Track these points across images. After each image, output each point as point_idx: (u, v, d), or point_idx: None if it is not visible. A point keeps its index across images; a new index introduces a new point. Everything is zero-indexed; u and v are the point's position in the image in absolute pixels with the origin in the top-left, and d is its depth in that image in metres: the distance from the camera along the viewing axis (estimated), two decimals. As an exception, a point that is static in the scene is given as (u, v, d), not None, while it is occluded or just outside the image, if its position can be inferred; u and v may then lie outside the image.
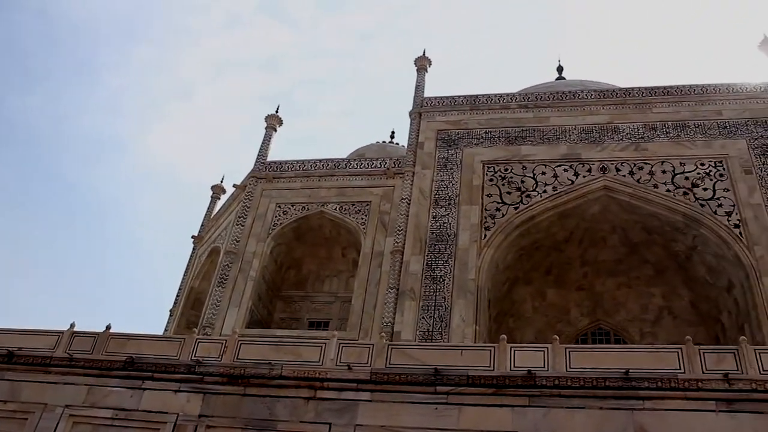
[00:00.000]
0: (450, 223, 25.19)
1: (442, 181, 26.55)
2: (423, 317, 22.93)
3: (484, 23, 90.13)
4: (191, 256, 31.88)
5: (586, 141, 26.61)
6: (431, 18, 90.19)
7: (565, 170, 25.94)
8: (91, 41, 79.72)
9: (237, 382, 15.82)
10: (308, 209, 27.37)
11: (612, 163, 25.75)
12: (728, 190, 24.37)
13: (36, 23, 75.97)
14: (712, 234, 23.92)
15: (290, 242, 27.75)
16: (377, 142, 35.16)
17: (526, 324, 28.27)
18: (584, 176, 25.67)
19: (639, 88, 28.11)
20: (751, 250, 22.94)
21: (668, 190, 24.74)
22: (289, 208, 27.54)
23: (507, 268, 26.31)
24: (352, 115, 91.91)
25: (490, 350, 15.51)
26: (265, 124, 31.11)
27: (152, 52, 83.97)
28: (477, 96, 29.12)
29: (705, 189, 24.54)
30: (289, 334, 23.81)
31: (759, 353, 14.74)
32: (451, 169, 26.83)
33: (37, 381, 17.14)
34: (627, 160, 25.75)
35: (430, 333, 22.46)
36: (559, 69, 39.89)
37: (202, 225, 32.67)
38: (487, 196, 25.72)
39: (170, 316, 29.87)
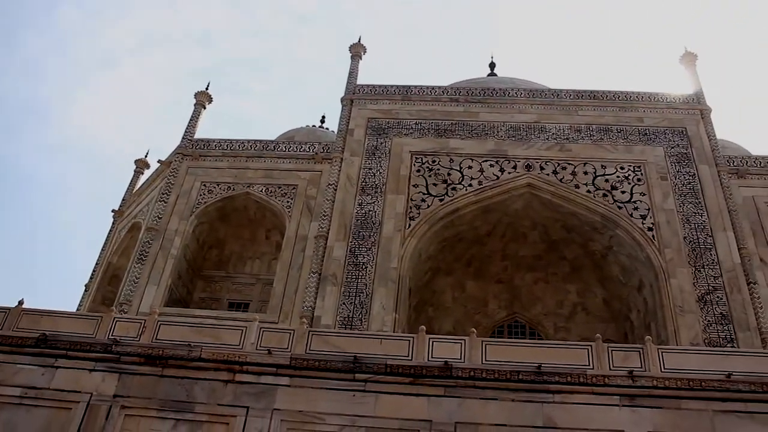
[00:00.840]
0: (375, 211, 25.37)
1: (369, 168, 26.69)
2: (344, 303, 23.08)
3: (421, 15, 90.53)
4: (111, 230, 31.08)
5: (513, 138, 27.19)
6: (371, 5, 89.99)
7: (491, 166, 26.44)
8: (12, -2, 76.10)
9: (155, 362, 15.59)
10: (234, 189, 27.04)
11: (537, 162, 26.40)
12: (644, 195, 25.36)
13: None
14: (627, 235, 24.86)
15: (214, 222, 27.39)
16: (307, 126, 34.97)
17: (445, 314, 28.78)
18: (509, 173, 26.23)
19: (567, 90, 28.89)
20: (662, 252, 23.96)
21: (589, 191, 25.55)
22: (215, 187, 27.16)
23: (429, 258, 26.71)
24: (283, 96, 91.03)
25: (409, 340, 15.78)
26: (194, 101, 30.54)
27: (78, 15, 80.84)
28: (409, 87, 29.34)
29: (623, 192, 25.46)
30: (209, 314, 23.59)
31: (662, 352, 15.52)
32: (379, 157, 27.00)
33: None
34: (551, 160, 26.45)
35: (350, 319, 22.64)
36: (492, 65, 40.45)
37: (123, 199, 31.86)
38: (414, 186, 26.01)
39: (85, 291, 29.09)
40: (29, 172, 78.87)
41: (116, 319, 16.79)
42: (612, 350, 15.43)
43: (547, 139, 27.12)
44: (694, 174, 25.87)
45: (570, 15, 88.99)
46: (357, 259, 24.15)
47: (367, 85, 29.63)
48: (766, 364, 15.41)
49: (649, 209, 25.00)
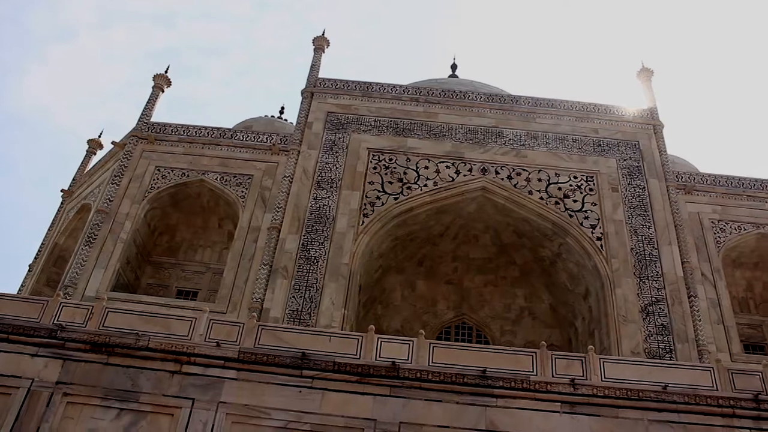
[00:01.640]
0: (330, 206, 25.38)
1: (326, 163, 26.67)
2: (293, 296, 23.07)
3: (385, 10, 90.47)
4: (59, 210, 30.42)
5: (471, 141, 27.45)
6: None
7: (447, 167, 26.66)
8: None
9: (100, 350, 15.41)
10: (188, 176, 26.74)
11: (492, 166, 26.71)
12: (595, 204, 25.87)
13: None
14: (577, 244, 25.35)
15: (166, 207, 27.05)
16: (266, 116, 34.74)
17: (394, 312, 28.97)
18: (465, 175, 26.48)
19: (526, 97, 29.25)
20: (609, 262, 24.51)
21: (541, 198, 25.96)
22: (169, 173, 26.83)
23: (381, 255, 26.84)
24: (242, 84, 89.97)
25: (358, 339, 15.91)
26: (152, 83, 30.08)
27: (34, -16, 78.65)
28: (371, 83, 29.38)
29: (575, 201, 25.94)
30: (157, 301, 23.39)
31: (603, 362, 15.98)
32: (336, 152, 26.99)
33: None
34: (507, 165, 26.78)
35: (299, 313, 22.64)
36: (453, 67, 40.73)
37: (74, 179, 31.20)
38: (369, 183, 26.07)
39: (29, 271, 28.44)
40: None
41: (62, 304, 16.52)
42: (555, 358, 15.80)
43: (503, 144, 27.45)
44: (644, 187, 26.50)
45: (533, 22, 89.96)
46: (309, 253, 24.14)
47: (329, 79, 29.58)
48: (700, 377, 15.96)
49: (599, 219, 25.53)
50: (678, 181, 27.07)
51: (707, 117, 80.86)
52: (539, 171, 26.68)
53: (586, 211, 25.70)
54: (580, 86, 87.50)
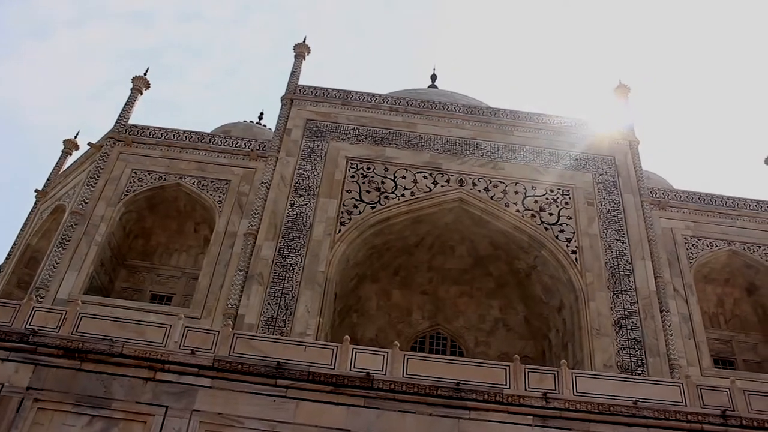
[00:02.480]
0: (307, 213, 25.38)
1: (304, 170, 26.67)
2: (269, 303, 23.01)
3: (369, 21, 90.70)
4: (32, 210, 30.05)
5: (449, 152, 27.59)
6: (317, 1, 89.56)
7: (425, 177, 26.78)
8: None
9: (73, 356, 15.25)
10: (165, 179, 26.60)
11: (470, 178, 26.86)
12: (571, 218, 26.11)
13: None
14: (552, 257, 25.57)
15: (142, 211, 26.87)
16: (245, 121, 34.66)
17: (369, 321, 28.99)
18: (442, 186, 26.61)
19: (504, 109, 29.46)
20: (583, 275, 24.73)
21: (518, 211, 26.14)
22: (146, 176, 26.66)
23: (357, 264, 26.87)
24: (221, 88, 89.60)
25: (333, 349, 15.93)
26: (131, 85, 29.90)
27: (9, -21, 77.73)
28: (350, 92, 29.44)
29: (551, 214, 26.15)
30: (131, 305, 23.15)
31: (575, 376, 16.14)
32: (315, 160, 27.00)
33: None
34: (484, 177, 26.95)
35: (274, 320, 22.59)
36: (433, 77, 40.93)
37: (48, 180, 30.88)
38: (347, 191, 26.12)
39: (0, 272, 28.13)
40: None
41: (35, 308, 16.33)
42: (528, 371, 15.94)
43: (481, 156, 27.63)
44: (619, 202, 26.80)
45: (514, 36, 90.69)
46: (285, 260, 24.11)
47: (309, 87, 29.58)
48: (670, 392, 16.20)
49: (574, 233, 25.77)
50: (652, 196, 27.43)
51: (682, 134, 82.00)
52: (516, 183, 26.87)
53: (561, 225, 25.94)
54: (558, 101, 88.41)
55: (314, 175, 26.49)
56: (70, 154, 32.41)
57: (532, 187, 26.84)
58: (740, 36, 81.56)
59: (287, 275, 23.75)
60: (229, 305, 22.62)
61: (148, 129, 28.02)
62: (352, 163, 26.95)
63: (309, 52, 31.65)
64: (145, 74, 30.17)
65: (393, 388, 15.30)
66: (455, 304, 29.40)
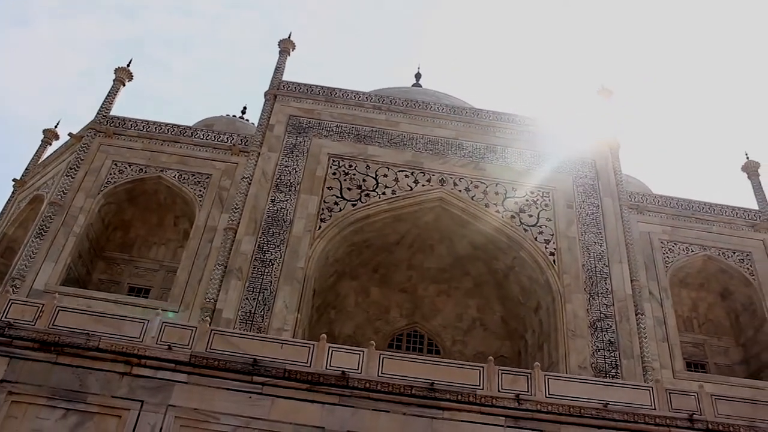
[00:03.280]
0: (287, 209, 25.41)
1: (286, 166, 26.69)
2: (247, 298, 23.05)
3: (355, 18, 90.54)
4: (9, 200, 29.77)
5: (431, 152, 27.72)
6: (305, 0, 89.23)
7: (407, 176, 26.89)
8: None
9: (49, 349, 15.19)
10: (146, 172, 26.53)
11: (451, 177, 27.01)
12: (550, 220, 26.32)
13: None
14: (530, 258, 25.77)
15: (122, 203, 26.80)
16: (227, 115, 34.58)
17: (347, 318, 29.11)
18: (423, 185, 26.73)
19: (487, 110, 29.62)
20: (561, 277, 24.98)
21: (498, 211, 26.30)
22: (126, 168, 26.57)
23: (336, 261, 26.96)
24: (205, 81, 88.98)
25: (309, 348, 16.01)
26: (113, 76, 29.77)
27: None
28: (334, 89, 29.47)
29: (530, 216, 26.34)
30: (108, 297, 23.09)
31: (548, 378, 16.34)
32: (297, 156, 27.04)
33: None
34: (465, 177, 27.10)
35: (252, 315, 22.63)
36: (417, 76, 41.04)
37: (27, 169, 30.60)
38: (328, 188, 26.17)
39: (-24, 261, 27.91)
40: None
41: (12, 301, 16.25)
42: (502, 373, 16.12)
43: (463, 156, 27.78)
44: (598, 205, 27.05)
45: (499, 38, 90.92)
46: (264, 256, 24.15)
47: (292, 83, 29.59)
48: (640, 396, 16.45)
49: (553, 235, 25.98)
50: (631, 200, 27.71)
51: (664, 139, 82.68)
52: (496, 185, 27.04)
53: (540, 227, 26.15)
54: (542, 103, 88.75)
55: (296, 172, 26.52)
56: (50, 144, 32.17)
57: (513, 188, 27.01)
58: (723, 44, 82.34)
59: (266, 270, 23.79)
60: (207, 299, 22.63)
61: (129, 121, 27.91)
62: (333, 160, 27.00)
63: (294, 48, 31.64)
64: (128, 66, 30.01)
65: (368, 387, 15.42)
66: (433, 303, 29.60)
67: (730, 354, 26.97)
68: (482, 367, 16.20)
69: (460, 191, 26.68)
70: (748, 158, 30.55)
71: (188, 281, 23.56)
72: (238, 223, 24.73)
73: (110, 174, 26.28)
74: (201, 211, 25.46)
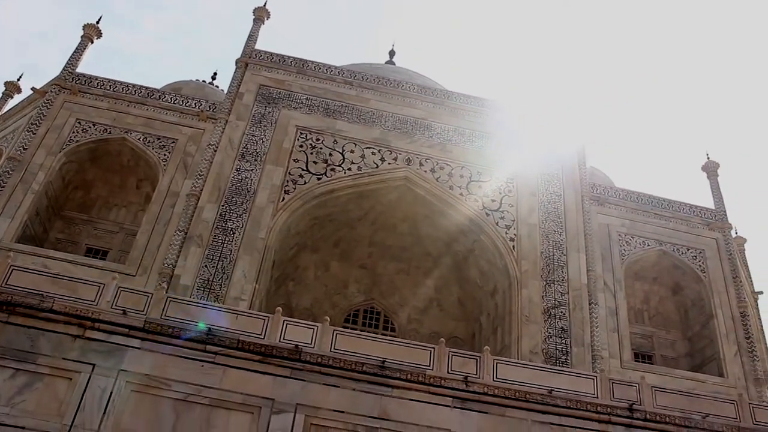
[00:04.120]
0: (252, 179, 25.34)
1: (253, 136, 26.56)
2: (206, 265, 23.03)
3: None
4: (-33, 152, 29.27)
5: (399, 131, 27.76)
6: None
7: (373, 153, 26.93)
8: None
9: (1, 308, 15.05)
10: (110, 132, 26.17)
11: (417, 157, 27.11)
12: (512, 206, 26.62)
13: None
14: (490, 242, 26.08)
15: (84, 162, 26.42)
16: (197, 80, 34.16)
17: (305, 290, 29.22)
18: (389, 163, 26.81)
19: (457, 93, 29.71)
20: (519, 263, 25.34)
21: (461, 194, 26.51)
22: (90, 127, 26.18)
23: (298, 233, 27.00)
24: (176, 44, 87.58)
25: (264, 320, 16.09)
26: (82, 32, 29.19)
27: None
28: (306, 61, 29.29)
29: (493, 201, 26.60)
30: (64, 257, 22.88)
31: (496, 363, 16.69)
32: (264, 126, 26.90)
33: None
34: (431, 158, 27.22)
35: (210, 283, 22.63)
36: (391, 53, 40.91)
37: (-14, 122, 30.05)
38: (294, 161, 26.12)
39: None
40: None
41: (-37, 259, 16.07)
42: (453, 355, 16.40)
43: (431, 137, 27.86)
44: (561, 195, 27.40)
45: (475, 19, 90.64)
46: (226, 224, 24.10)
47: (265, 52, 29.32)
48: (584, 384, 16.89)
49: (514, 221, 26.29)
50: (593, 192, 28.11)
51: (629, 133, 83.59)
52: (462, 168, 27.21)
53: (502, 212, 26.42)
54: (510, 88, 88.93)
55: (263, 142, 26.41)
56: (11, 98, 31.58)
57: (478, 172, 27.20)
58: (684, 41, 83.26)
59: (227, 239, 23.77)
60: (166, 265, 22.55)
61: (96, 79, 27.46)
62: (301, 133, 26.93)
63: (268, 17, 31.32)
64: (97, 23, 29.42)
65: (320, 361, 15.58)
66: (392, 281, 29.83)
67: (676, 347, 27.68)
68: (433, 348, 16.46)
69: (425, 172, 26.81)
70: (708, 158, 31.13)
71: (147, 246, 23.43)
72: (202, 190, 24.61)
73: (73, 132, 25.89)
74: (164, 176, 25.25)
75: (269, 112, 27.31)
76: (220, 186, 24.90)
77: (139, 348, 15.10)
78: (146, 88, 27.61)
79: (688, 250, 27.76)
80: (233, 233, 23.92)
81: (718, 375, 24.98)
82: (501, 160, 27.71)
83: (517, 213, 26.54)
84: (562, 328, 24.10)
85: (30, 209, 23.88)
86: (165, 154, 25.79)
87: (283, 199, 25.12)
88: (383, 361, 15.70)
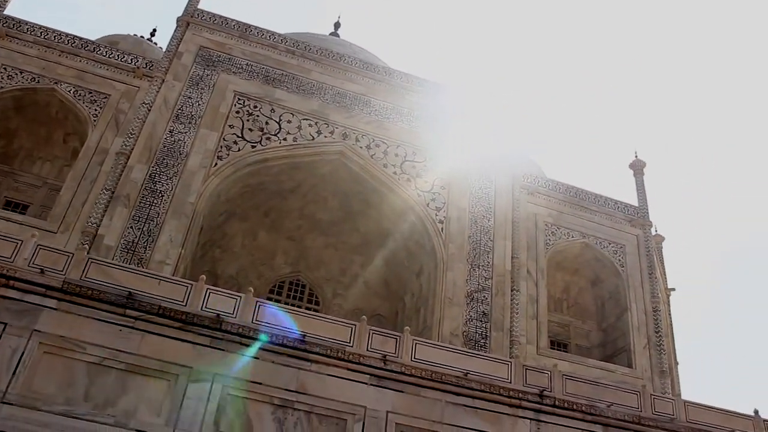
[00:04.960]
0: (185, 142, 24.87)
1: (189, 97, 26.04)
2: (131, 227, 22.57)
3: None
4: None
5: (338, 104, 27.62)
6: None
7: (310, 125, 26.75)
8: None
9: None
10: (39, 82, 25.24)
11: (354, 133, 27.04)
12: (444, 189, 26.88)
13: None
14: (420, 223, 26.32)
15: (7, 111, 25.39)
16: (135, 35, 33.28)
17: (232, 258, 28.98)
18: (325, 136, 26.68)
19: (399, 71, 29.65)
20: (446, 246, 25.66)
21: (395, 173, 26.61)
22: (17, 74, 25.18)
23: (228, 200, 26.69)
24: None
25: (187, 287, 15.84)
26: (14, -26, 27.99)
27: None
28: (249, 26, 28.76)
29: (426, 182, 26.78)
30: (-20, 208, 22.17)
31: (415, 343, 16.94)
32: (202, 88, 26.39)
33: None
34: (368, 134, 27.18)
35: (135, 245, 22.20)
36: (336, 25, 40.56)
37: None
38: (230, 126, 25.73)
39: None
40: None
41: None
42: (373, 333, 16.55)
43: (369, 113, 27.81)
44: (492, 181, 27.79)
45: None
46: (155, 186, 23.65)
47: (208, 12, 28.65)
48: (499, 369, 17.33)
49: (444, 203, 26.57)
50: (524, 181, 28.63)
51: (563, 124, 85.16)
52: (398, 146, 27.29)
53: (434, 194, 26.67)
54: (453, 72, 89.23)
55: (199, 105, 25.93)
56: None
57: (413, 152, 27.34)
58: (629, 46, 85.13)
59: (155, 201, 23.33)
60: (90, 223, 21.99)
61: (26, 24, 26.34)
62: (239, 99, 26.54)
63: (213, -24, 30.64)
64: (32, -34, 28.29)
65: (240, 332, 15.52)
66: (319, 255, 29.85)
67: (591, 337, 28.62)
68: (354, 325, 16.59)
69: (361, 148, 26.80)
70: (636, 156, 32.02)
71: (72, 202, 22.79)
72: (132, 149, 24.03)
73: (-2, 78, 24.89)
74: (94, 132, 24.56)
75: (207, 75, 26.80)
76: (151, 146, 24.36)
77: (55, 308, 14.64)
78: (80, 38, 26.69)
79: (610, 244, 28.63)
80: (162, 196, 23.48)
81: (627, 366, 26.00)
82: (437, 142, 27.87)
83: (448, 196, 26.81)
84: (483, 312, 24.59)
85: (-54, 155, 22.96)
86: (96, 109, 25.07)
87: (216, 164, 24.77)
88: (303, 335, 15.76)
